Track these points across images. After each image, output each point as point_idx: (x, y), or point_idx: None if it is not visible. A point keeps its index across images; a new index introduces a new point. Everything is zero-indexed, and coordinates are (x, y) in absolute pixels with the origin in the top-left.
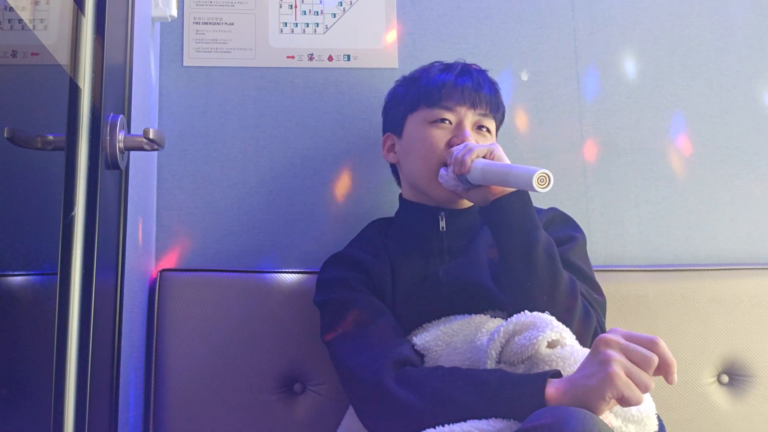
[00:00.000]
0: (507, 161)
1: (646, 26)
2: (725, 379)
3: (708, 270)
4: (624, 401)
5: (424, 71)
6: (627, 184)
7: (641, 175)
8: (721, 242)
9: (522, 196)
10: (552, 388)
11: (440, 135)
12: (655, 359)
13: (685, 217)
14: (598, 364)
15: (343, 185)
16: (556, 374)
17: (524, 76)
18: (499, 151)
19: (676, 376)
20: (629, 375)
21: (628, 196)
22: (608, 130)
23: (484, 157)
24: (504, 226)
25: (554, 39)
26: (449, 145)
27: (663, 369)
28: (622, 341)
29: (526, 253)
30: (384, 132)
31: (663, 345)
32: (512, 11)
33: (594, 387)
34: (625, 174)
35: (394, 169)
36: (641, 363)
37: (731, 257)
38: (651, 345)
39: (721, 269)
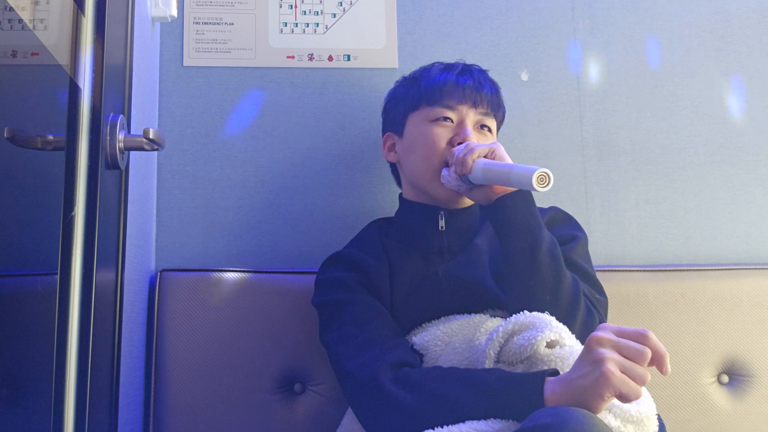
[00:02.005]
0: (509, 160)
1: (646, 26)
2: (725, 379)
3: (708, 270)
4: (623, 397)
5: (425, 71)
6: (627, 184)
7: (641, 175)
8: (721, 242)
9: (525, 195)
10: (548, 389)
11: (442, 133)
12: (648, 352)
13: (685, 217)
14: (591, 363)
15: (343, 185)
16: (554, 373)
17: (524, 76)
18: (501, 150)
19: (669, 366)
20: (624, 371)
21: (628, 196)
22: (608, 130)
23: (485, 157)
24: (507, 225)
25: (554, 39)
26: (451, 143)
27: (656, 360)
28: (614, 338)
29: (530, 253)
30: (384, 132)
31: (653, 337)
32: (512, 11)
33: (589, 386)
34: (625, 174)
35: (394, 168)
36: (635, 357)
37: (731, 257)
38: (642, 338)
39: (721, 269)
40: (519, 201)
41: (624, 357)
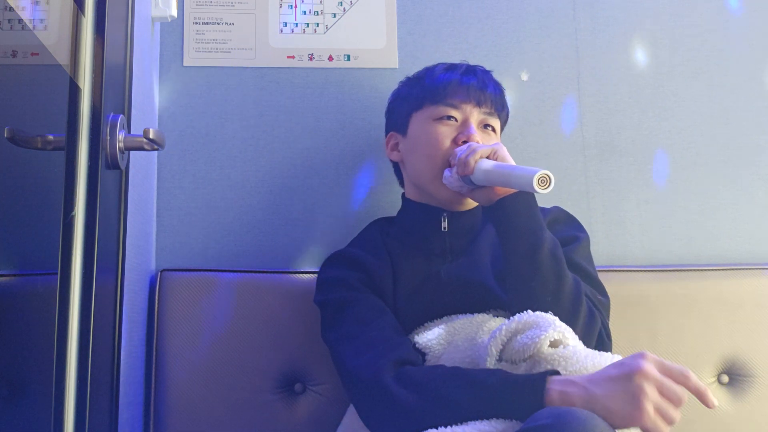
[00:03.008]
0: (511, 161)
1: (647, 26)
2: (725, 379)
3: (709, 270)
4: None
5: (429, 71)
6: (628, 184)
7: (642, 176)
8: (723, 242)
9: (527, 196)
10: (556, 389)
11: (446, 132)
12: (685, 397)
13: (687, 217)
14: (629, 392)
15: (343, 185)
16: (555, 373)
17: (524, 76)
18: (503, 151)
19: (714, 398)
20: (658, 410)
21: (629, 196)
22: (609, 130)
23: (487, 158)
24: (509, 226)
25: (555, 39)
26: (455, 142)
27: (698, 397)
28: (658, 376)
29: (531, 254)
30: (387, 131)
31: (693, 377)
32: (512, 11)
33: (617, 412)
34: (626, 174)
35: (397, 168)
36: (672, 399)
37: (733, 257)
38: (683, 379)
39: (723, 269)
40: (521, 202)
41: (662, 395)
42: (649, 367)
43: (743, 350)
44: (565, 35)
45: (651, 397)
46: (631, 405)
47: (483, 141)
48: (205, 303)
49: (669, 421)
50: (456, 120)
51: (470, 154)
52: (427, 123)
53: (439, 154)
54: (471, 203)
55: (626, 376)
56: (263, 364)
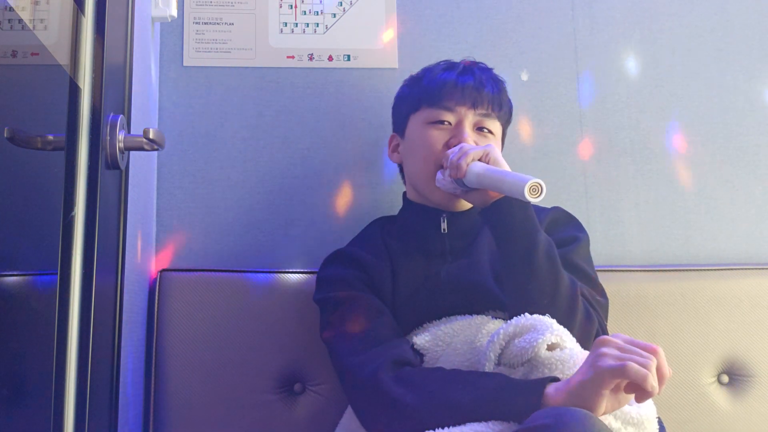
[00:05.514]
0: (503, 162)
1: (646, 26)
2: (725, 379)
3: (708, 270)
4: (638, 395)
5: (428, 70)
6: (627, 184)
7: (641, 175)
8: (721, 242)
9: None
10: (551, 389)
11: (438, 136)
12: (653, 358)
13: (685, 217)
14: (592, 359)
15: (342, 185)
16: (555, 380)
17: (524, 76)
18: (495, 153)
19: (662, 388)
20: (620, 358)
21: (628, 196)
22: (608, 130)
23: (480, 160)
24: (504, 228)
25: (554, 39)
26: (447, 146)
27: (657, 378)
28: (620, 342)
29: (527, 256)
30: (393, 132)
31: (662, 355)
32: (512, 11)
33: (587, 381)
34: (625, 174)
35: (402, 168)
36: (635, 351)
37: (731, 257)
38: (651, 351)
39: (721, 269)
40: (515, 204)
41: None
42: (609, 337)
43: (742, 350)
44: (564, 35)
45: (609, 352)
46: (594, 365)
47: (479, 144)
48: (204, 303)
49: (636, 362)
50: (450, 123)
51: (462, 157)
52: (421, 126)
53: (431, 158)
54: (469, 204)
55: (591, 350)
56: (263, 364)
